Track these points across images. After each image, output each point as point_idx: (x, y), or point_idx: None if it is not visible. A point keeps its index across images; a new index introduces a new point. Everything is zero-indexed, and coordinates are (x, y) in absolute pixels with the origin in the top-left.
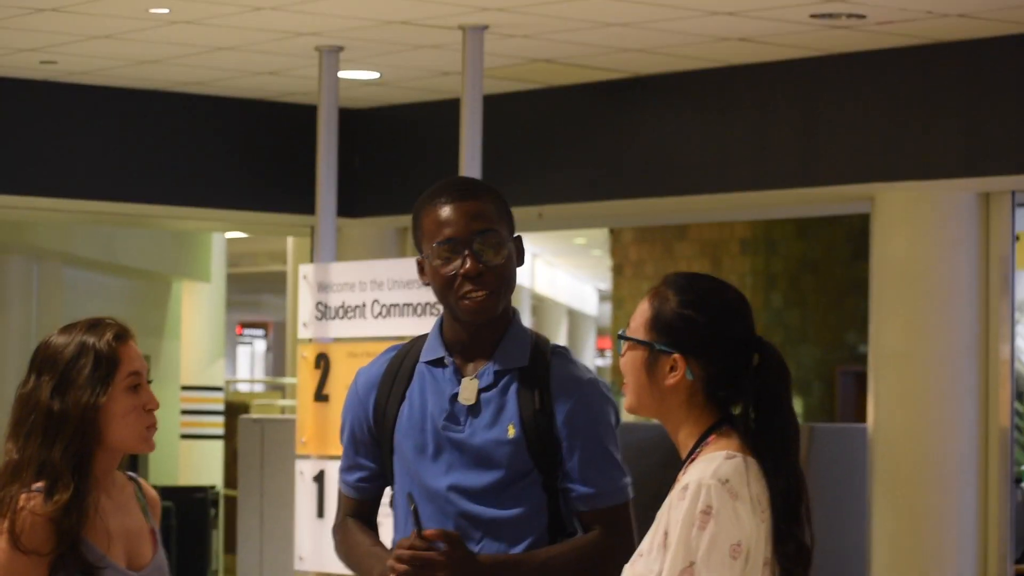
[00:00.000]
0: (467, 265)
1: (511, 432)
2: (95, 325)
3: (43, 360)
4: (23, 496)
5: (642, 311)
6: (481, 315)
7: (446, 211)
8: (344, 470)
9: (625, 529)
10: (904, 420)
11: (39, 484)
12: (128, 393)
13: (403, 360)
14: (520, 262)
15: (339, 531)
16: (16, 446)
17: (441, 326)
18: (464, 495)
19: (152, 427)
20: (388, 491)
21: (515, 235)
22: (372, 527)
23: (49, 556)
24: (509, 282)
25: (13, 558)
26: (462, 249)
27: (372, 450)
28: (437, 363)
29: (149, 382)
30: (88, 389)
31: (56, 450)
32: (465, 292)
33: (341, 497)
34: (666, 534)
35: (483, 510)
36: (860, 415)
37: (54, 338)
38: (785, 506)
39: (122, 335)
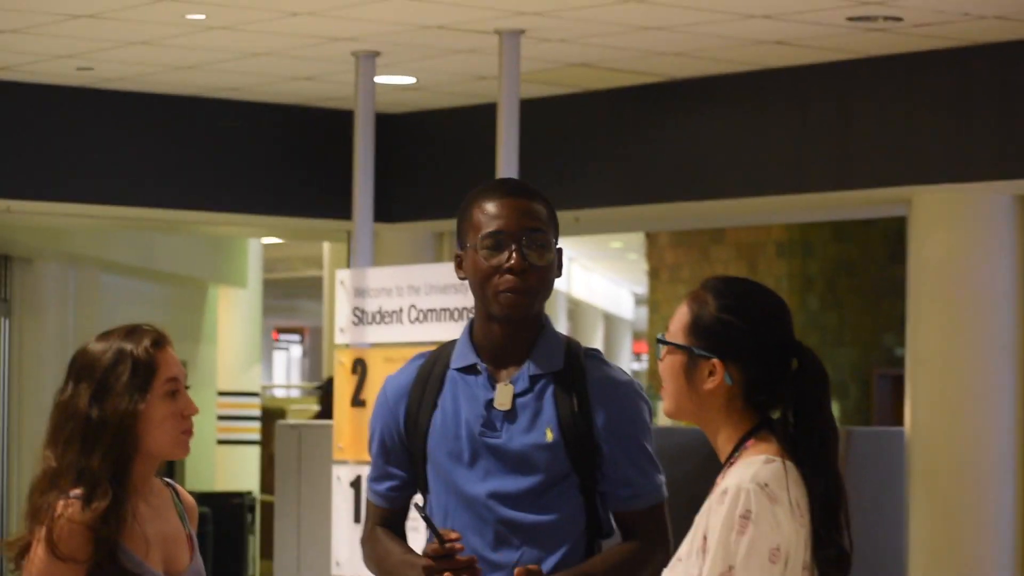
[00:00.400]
0: (512, 259)
1: (549, 436)
2: (132, 332)
3: (81, 367)
4: (61, 503)
5: (681, 315)
6: (515, 312)
7: (499, 205)
8: (373, 479)
9: (664, 527)
10: (941, 423)
11: (77, 491)
12: (166, 399)
13: (432, 367)
14: (559, 273)
15: (368, 541)
16: (54, 453)
17: (471, 331)
18: (503, 501)
19: (188, 432)
20: (417, 498)
21: (558, 245)
22: (402, 536)
23: (86, 564)
24: (548, 286)
25: (50, 565)
26: (510, 243)
27: (402, 459)
28: (469, 370)
29: (187, 388)
30: (126, 396)
31: (95, 457)
32: (505, 287)
33: (370, 507)
34: (705, 538)
35: (522, 516)
36: (897, 418)
37: (92, 345)
38: (825, 511)
39: (160, 341)
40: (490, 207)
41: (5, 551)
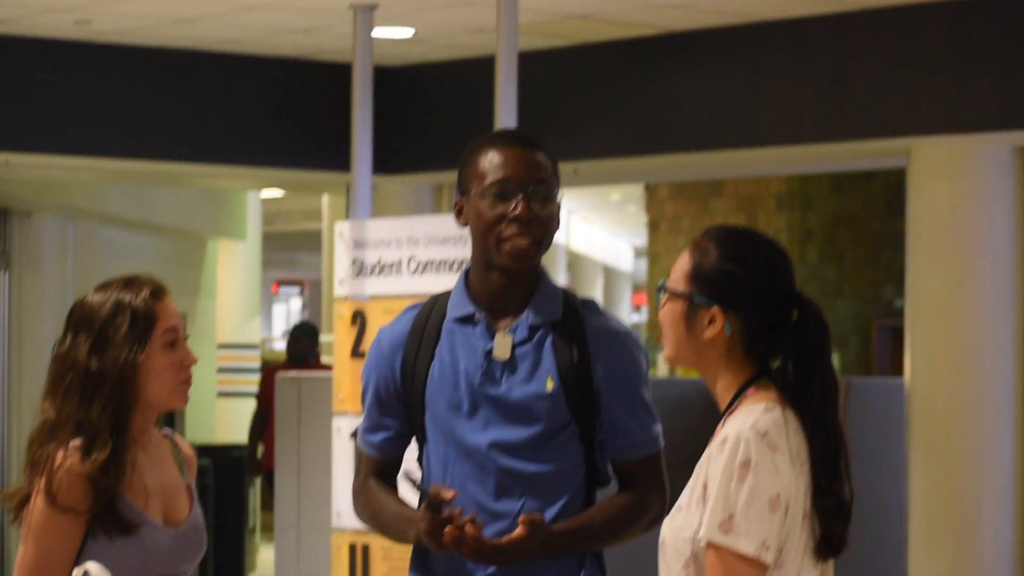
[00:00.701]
0: (518, 209)
1: (549, 385)
2: (131, 283)
3: (79, 319)
4: (60, 454)
5: (682, 263)
6: (519, 262)
7: (506, 154)
8: (367, 430)
9: (661, 476)
10: (941, 374)
11: (76, 442)
12: (165, 350)
13: (428, 317)
14: (558, 225)
15: (362, 493)
16: (53, 405)
17: (466, 281)
18: (504, 451)
19: (187, 382)
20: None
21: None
22: (394, 487)
23: (86, 514)
24: (551, 236)
25: (50, 516)
26: (516, 192)
27: (397, 409)
28: (466, 320)
29: (186, 338)
30: (126, 347)
31: (94, 409)
32: (508, 235)
33: (362, 458)
34: (705, 487)
35: (524, 465)
36: (896, 370)
37: (90, 296)
38: (824, 461)
39: (158, 292)
40: (496, 156)
41: (4, 503)
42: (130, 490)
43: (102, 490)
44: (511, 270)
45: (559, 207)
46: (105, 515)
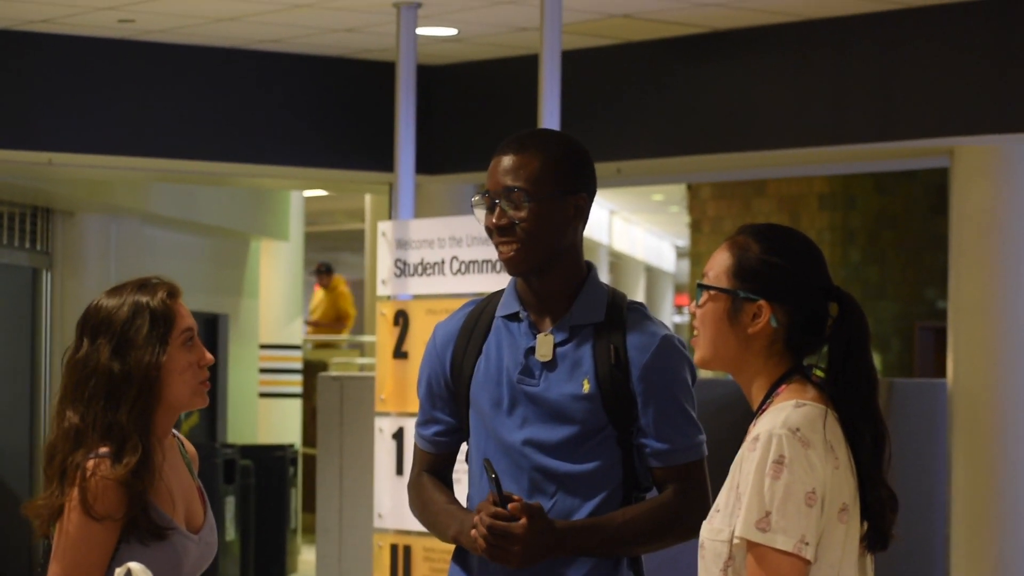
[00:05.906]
0: (493, 218)
1: (586, 387)
2: (145, 285)
3: (96, 324)
4: (91, 463)
5: (721, 260)
6: (510, 268)
7: (493, 163)
8: (420, 424)
9: (699, 486)
10: (984, 375)
11: (104, 449)
12: (183, 350)
13: (480, 314)
14: (577, 219)
15: (414, 487)
16: (77, 412)
17: (516, 280)
18: (539, 449)
19: (205, 384)
20: (464, 446)
21: (575, 191)
22: (447, 483)
23: (121, 521)
24: (537, 238)
25: (86, 526)
26: (492, 201)
27: (449, 404)
28: (513, 317)
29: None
30: (148, 348)
31: (122, 412)
32: (496, 243)
33: (417, 452)
34: (739, 486)
35: (558, 464)
36: (939, 371)
37: (104, 301)
38: (873, 453)
39: (173, 293)
40: (491, 164)
41: (34, 515)
42: (157, 496)
43: (136, 495)
44: (516, 274)
45: (560, 202)
46: (140, 522)
